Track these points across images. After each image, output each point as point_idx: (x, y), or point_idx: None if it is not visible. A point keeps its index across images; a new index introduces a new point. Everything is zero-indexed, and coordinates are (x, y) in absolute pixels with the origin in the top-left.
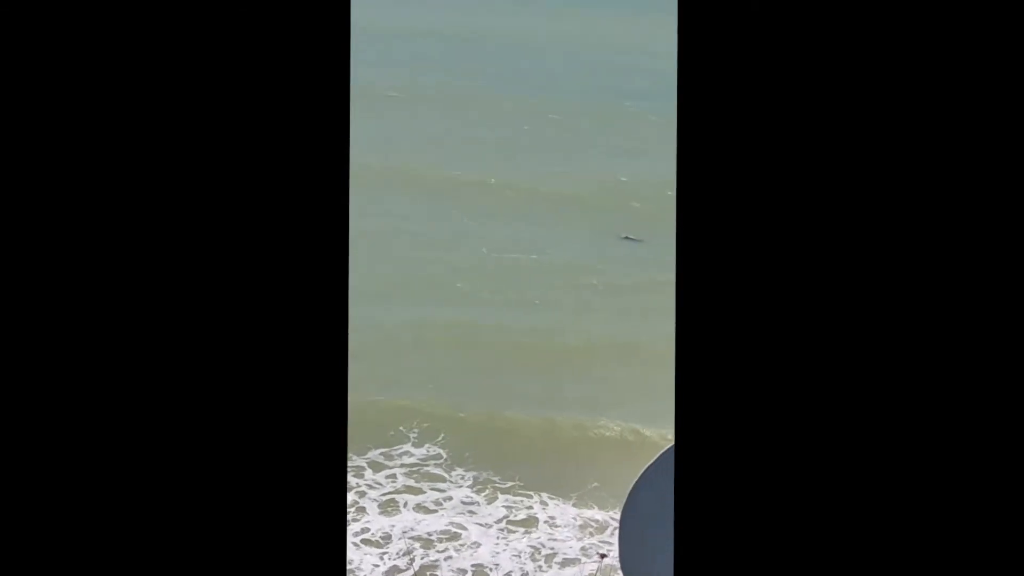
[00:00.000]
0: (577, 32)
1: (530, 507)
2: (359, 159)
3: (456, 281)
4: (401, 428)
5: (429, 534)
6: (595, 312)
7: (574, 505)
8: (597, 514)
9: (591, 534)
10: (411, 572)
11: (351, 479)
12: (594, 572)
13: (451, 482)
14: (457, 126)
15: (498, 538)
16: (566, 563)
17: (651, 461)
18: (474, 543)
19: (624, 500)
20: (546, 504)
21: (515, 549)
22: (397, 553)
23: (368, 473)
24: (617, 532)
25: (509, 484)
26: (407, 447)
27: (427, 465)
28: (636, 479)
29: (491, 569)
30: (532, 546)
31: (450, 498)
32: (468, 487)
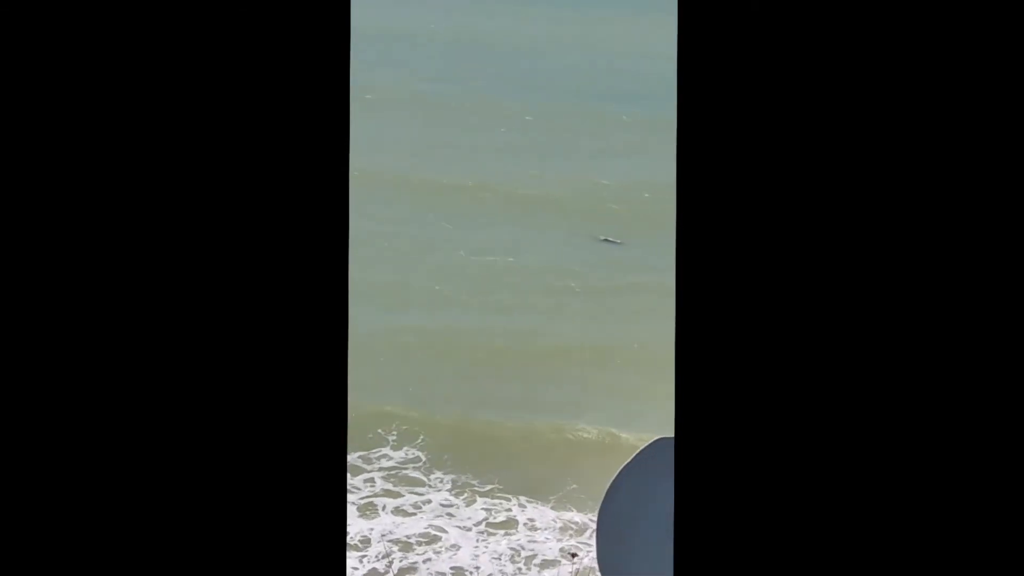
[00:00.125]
0: (552, 35)
1: (509, 509)
2: None
3: (434, 284)
4: (380, 431)
5: (408, 537)
6: (573, 315)
7: (553, 507)
8: (576, 516)
9: (570, 536)
10: (390, 575)
11: None
12: (572, 573)
13: (430, 485)
14: (433, 129)
15: (477, 541)
16: (545, 565)
17: (626, 462)
18: (453, 546)
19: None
20: (525, 507)
21: (494, 551)
22: (376, 556)
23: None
24: (595, 533)
25: (488, 487)
26: (385, 450)
27: (406, 468)
28: (612, 478)
29: (471, 572)
30: (512, 548)
31: (429, 501)
32: (447, 490)
